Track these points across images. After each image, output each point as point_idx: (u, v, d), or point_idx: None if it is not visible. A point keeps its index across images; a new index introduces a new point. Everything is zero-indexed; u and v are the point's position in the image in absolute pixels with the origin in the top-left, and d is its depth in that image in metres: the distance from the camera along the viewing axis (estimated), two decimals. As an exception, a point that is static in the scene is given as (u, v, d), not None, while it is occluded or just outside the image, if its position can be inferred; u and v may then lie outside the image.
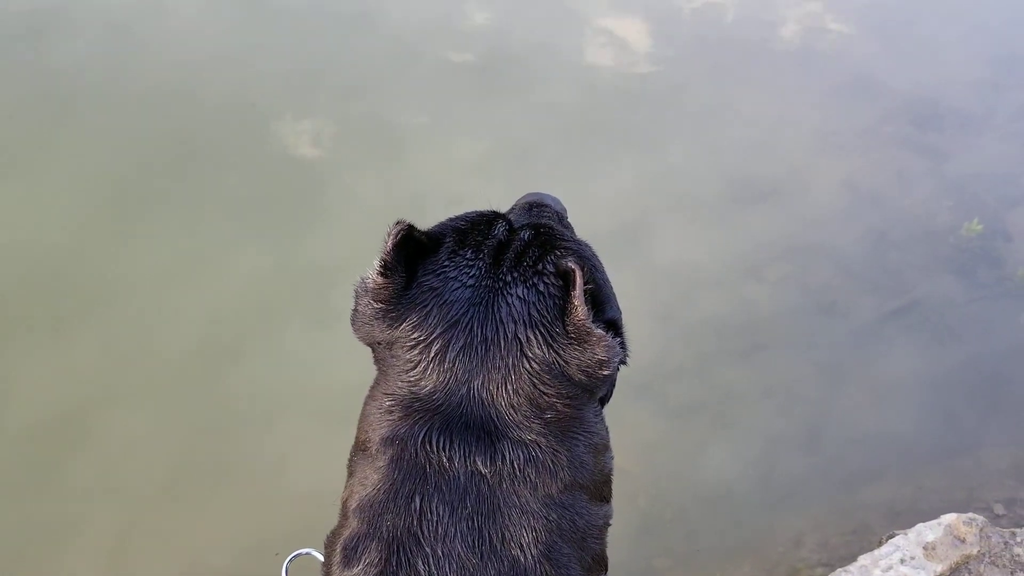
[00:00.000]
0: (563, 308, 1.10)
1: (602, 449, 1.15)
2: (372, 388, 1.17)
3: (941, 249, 3.71)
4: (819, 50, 4.79)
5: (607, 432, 1.18)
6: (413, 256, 1.15)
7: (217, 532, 2.73)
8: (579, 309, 1.07)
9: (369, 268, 1.14)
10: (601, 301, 1.17)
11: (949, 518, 2.21)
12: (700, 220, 3.77)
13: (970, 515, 2.22)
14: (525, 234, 1.19)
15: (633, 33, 4.74)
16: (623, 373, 1.18)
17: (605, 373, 1.10)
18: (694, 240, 3.66)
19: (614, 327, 1.16)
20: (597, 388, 1.13)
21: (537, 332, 1.09)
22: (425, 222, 1.22)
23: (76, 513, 2.73)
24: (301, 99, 4.13)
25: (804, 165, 4.08)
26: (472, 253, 1.15)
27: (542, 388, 1.08)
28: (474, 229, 1.19)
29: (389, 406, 1.10)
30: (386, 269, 1.11)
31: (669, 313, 3.31)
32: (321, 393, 2.96)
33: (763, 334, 3.35)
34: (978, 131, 4.31)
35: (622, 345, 1.15)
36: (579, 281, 1.07)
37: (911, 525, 2.23)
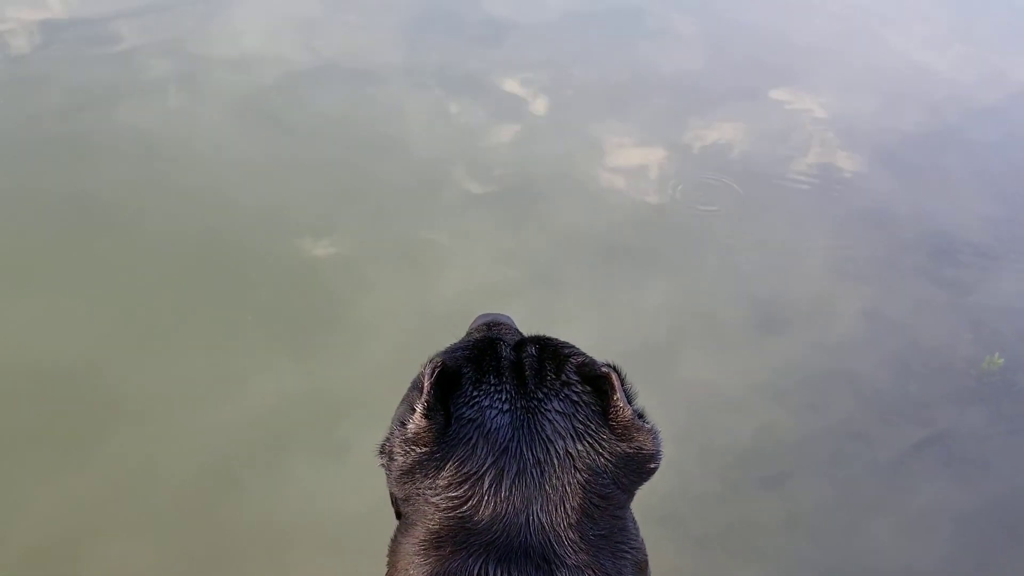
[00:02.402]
0: (602, 413, 1.11)
1: (644, 566, 1.13)
2: (406, 528, 1.12)
3: (964, 381, 3.70)
4: (835, 182, 4.92)
5: (644, 545, 1.16)
6: (444, 393, 1.12)
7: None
8: (625, 409, 1.09)
9: (398, 423, 1.12)
10: (631, 397, 1.17)
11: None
12: (724, 345, 3.79)
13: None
14: (532, 348, 1.20)
15: (653, 162, 4.89)
16: (643, 500, 1.17)
17: (653, 466, 1.11)
18: (718, 365, 3.67)
19: (643, 417, 1.16)
20: (639, 485, 1.13)
21: (585, 443, 1.08)
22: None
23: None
24: (326, 221, 4.22)
25: (825, 293, 4.13)
26: (495, 378, 1.14)
27: (597, 501, 1.07)
28: (483, 355, 1.18)
29: (436, 542, 1.05)
30: (429, 411, 1.08)
31: (692, 437, 3.29)
32: (331, 524, 2.88)
33: (787, 461, 3.31)
34: (994, 266, 4.36)
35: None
36: (617, 383, 1.10)
37: (944, 666, 2.15)
